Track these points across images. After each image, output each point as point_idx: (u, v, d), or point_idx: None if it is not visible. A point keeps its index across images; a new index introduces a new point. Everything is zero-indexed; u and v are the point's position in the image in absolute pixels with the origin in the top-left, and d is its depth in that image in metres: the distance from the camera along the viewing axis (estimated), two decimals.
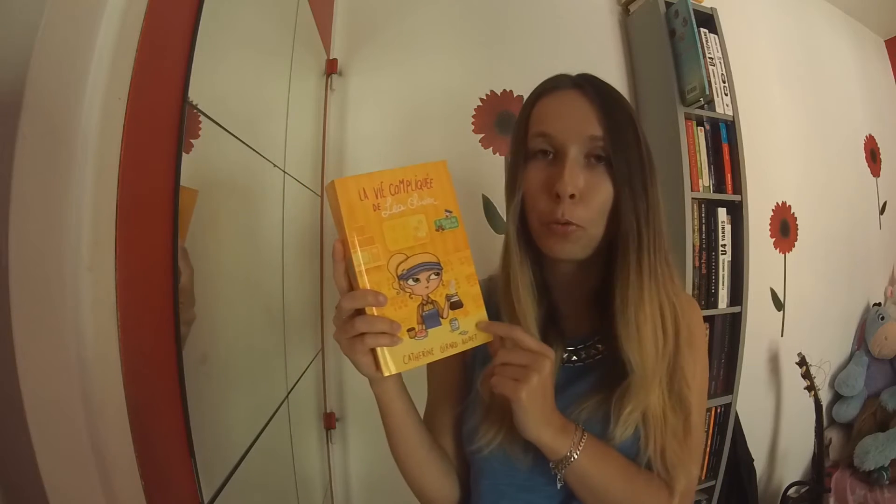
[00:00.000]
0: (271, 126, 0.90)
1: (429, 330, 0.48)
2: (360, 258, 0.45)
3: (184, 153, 0.52)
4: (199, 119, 0.58)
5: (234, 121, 0.68)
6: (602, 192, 0.54)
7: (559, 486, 0.56)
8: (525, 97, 0.62)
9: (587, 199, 0.54)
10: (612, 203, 0.55)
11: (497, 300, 0.59)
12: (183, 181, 0.52)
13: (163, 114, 0.50)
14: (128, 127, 0.42)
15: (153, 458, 0.44)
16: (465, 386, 0.65)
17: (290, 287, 0.97)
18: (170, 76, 0.51)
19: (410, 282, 0.47)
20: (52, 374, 0.36)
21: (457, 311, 0.49)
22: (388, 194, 0.46)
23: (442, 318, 0.48)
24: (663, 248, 0.57)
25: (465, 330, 0.49)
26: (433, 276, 0.48)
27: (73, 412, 0.37)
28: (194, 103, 0.55)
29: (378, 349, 0.46)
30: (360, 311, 0.46)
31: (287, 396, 0.94)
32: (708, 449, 1.47)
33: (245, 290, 0.78)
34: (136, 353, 0.43)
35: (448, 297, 0.48)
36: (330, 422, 1.34)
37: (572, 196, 0.53)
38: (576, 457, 0.50)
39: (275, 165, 0.88)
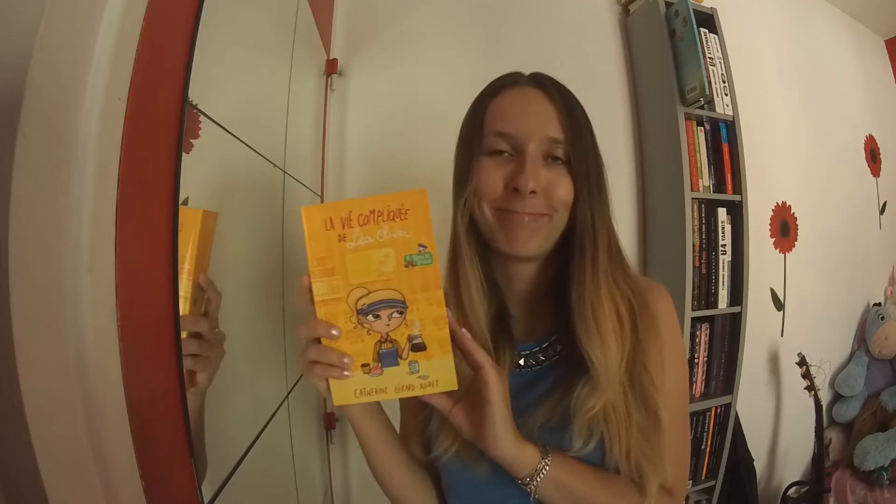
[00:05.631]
0: (271, 126, 0.90)
1: (385, 368, 0.46)
2: (316, 289, 0.45)
3: (184, 153, 0.52)
4: (199, 119, 0.58)
5: (234, 121, 0.68)
6: (562, 188, 0.55)
7: (533, 500, 0.52)
8: None
9: (548, 194, 0.54)
10: (571, 200, 0.55)
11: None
12: (183, 181, 0.52)
13: (163, 114, 0.50)
14: (128, 127, 0.42)
15: (153, 458, 0.44)
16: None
17: (289, 287, 0.96)
18: (170, 76, 0.51)
19: (370, 318, 0.45)
20: (52, 374, 0.35)
21: (418, 353, 0.46)
22: (356, 225, 0.44)
23: (401, 358, 0.46)
24: (616, 246, 0.58)
25: (425, 374, 0.47)
26: (395, 315, 0.45)
27: (73, 412, 0.37)
28: (194, 103, 0.55)
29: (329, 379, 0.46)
30: (319, 339, 0.46)
31: (287, 396, 0.94)
32: (708, 449, 1.47)
33: (245, 290, 0.78)
34: (136, 353, 0.43)
35: (410, 338, 0.46)
36: (330, 422, 1.34)
37: (532, 192, 0.53)
38: (547, 469, 0.49)
39: (275, 165, 0.89)
